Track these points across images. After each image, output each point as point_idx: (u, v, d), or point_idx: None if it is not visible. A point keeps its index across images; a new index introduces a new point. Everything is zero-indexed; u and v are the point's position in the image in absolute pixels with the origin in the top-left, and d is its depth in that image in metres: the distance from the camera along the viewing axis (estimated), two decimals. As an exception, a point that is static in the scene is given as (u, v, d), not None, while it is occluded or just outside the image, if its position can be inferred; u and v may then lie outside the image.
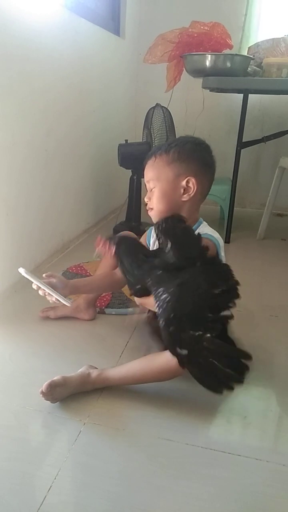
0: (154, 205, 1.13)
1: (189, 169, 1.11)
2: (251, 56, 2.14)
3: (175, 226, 1.01)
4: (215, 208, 2.63)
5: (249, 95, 2.11)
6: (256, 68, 2.17)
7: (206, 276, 0.93)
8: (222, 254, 1.12)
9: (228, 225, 2.24)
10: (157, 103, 2.17)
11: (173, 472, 0.88)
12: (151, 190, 1.14)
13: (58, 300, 1.11)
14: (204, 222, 1.19)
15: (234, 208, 2.25)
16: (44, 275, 1.19)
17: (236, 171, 2.19)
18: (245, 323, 0.96)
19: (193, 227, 1.15)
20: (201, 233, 1.03)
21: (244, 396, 1.13)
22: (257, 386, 1.16)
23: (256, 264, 2.01)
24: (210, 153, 1.17)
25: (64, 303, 1.12)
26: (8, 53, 1.39)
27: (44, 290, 1.12)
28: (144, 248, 1.05)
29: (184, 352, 0.88)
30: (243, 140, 2.15)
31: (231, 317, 0.93)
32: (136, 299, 1.07)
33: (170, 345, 0.91)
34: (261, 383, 1.17)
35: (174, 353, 0.90)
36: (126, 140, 2.16)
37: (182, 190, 1.11)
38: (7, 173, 1.47)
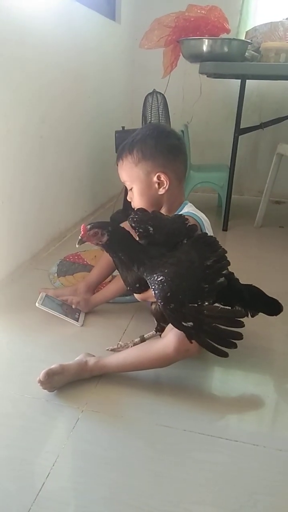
0: (137, 203, 1.17)
1: (156, 164, 1.14)
2: (249, 41, 2.10)
3: (146, 213, 1.08)
4: (213, 195, 2.62)
5: (247, 80, 2.08)
6: (254, 53, 2.13)
7: (196, 251, 0.98)
8: (208, 233, 1.13)
9: (225, 213, 2.23)
10: (154, 89, 2.14)
11: (171, 458, 0.88)
12: (130, 189, 1.18)
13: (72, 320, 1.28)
14: (189, 204, 1.22)
15: (232, 196, 2.23)
16: (73, 306, 1.33)
17: (234, 158, 2.17)
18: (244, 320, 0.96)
19: (179, 209, 1.20)
20: (185, 212, 1.13)
21: (242, 382, 1.14)
22: (255, 372, 1.16)
23: (254, 251, 2.00)
24: (174, 137, 1.19)
25: (74, 323, 1.28)
26: (1, 37, 1.36)
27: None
28: (134, 238, 1.04)
29: (190, 324, 0.92)
30: (241, 127, 2.13)
31: (225, 283, 0.98)
32: (136, 295, 1.08)
33: (174, 321, 0.94)
34: (258, 370, 1.17)
35: (180, 328, 0.93)
36: (123, 127, 2.13)
37: (156, 185, 1.15)
38: (2, 160, 1.46)
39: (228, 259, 1.01)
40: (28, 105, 1.58)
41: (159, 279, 0.92)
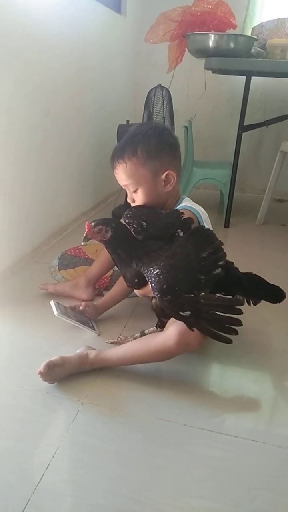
0: (141, 203, 1.15)
1: (163, 163, 1.13)
2: (255, 37, 2.09)
3: (139, 208, 1.10)
4: (215, 192, 2.62)
5: (252, 77, 2.07)
6: (260, 49, 2.12)
7: (193, 243, 0.99)
8: (206, 226, 1.14)
9: (227, 210, 2.23)
10: (159, 84, 2.12)
11: (170, 452, 0.88)
12: (133, 192, 1.15)
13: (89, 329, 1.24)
14: (187, 198, 1.22)
15: (234, 193, 2.23)
16: (80, 307, 1.28)
17: (237, 155, 2.16)
18: (243, 308, 0.97)
19: (177, 204, 1.20)
20: (182, 206, 1.14)
21: (241, 378, 1.14)
22: (254, 369, 1.17)
23: (255, 249, 2.00)
24: (172, 135, 1.19)
25: (92, 332, 1.24)
26: (5, 28, 1.36)
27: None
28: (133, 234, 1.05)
29: (188, 313, 0.93)
30: (245, 124, 2.12)
31: (222, 274, 0.98)
32: (136, 291, 1.08)
33: (172, 312, 0.95)
34: (257, 367, 1.17)
35: (179, 318, 0.95)
36: (128, 121, 2.12)
37: (163, 183, 1.14)
38: (3, 153, 1.45)
39: (224, 250, 1.02)
40: (31, 98, 1.57)
41: (155, 272, 0.94)
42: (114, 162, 1.14)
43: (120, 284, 1.33)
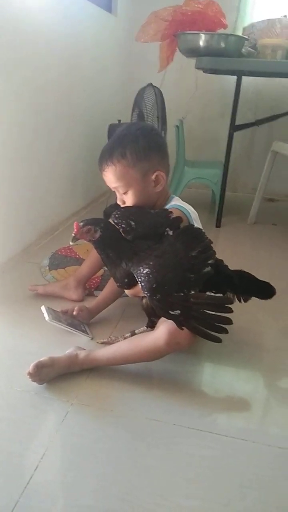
0: (132, 204, 1.14)
1: (152, 164, 1.12)
2: (246, 37, 2.10)
3: (127, 208, 1.10)
4: (206, 192, 2.62)
5: (243, 77, 2.08)
6: (251, 49, 2.13)
7: (182, 242, 0.99)
8: (196, 225, 1.13)
9: (219, 209, 2.23)
10: (149, 83, 2.12)
11: (160, 452, 0.88)
12: (123, 193, 1.14)
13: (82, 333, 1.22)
14: (176, 197, 1.22)
15: (226, 192, 2.23)
16: (74, 313, 1.25)
17: (228, 155, 2.16)
18: (233, 306, 0.97)
19: (166, 203, 1.19)
20: (172, 205, 1.14)
21: (232, 378, 1.14)
22: (244, 368, 1.17)
23: (246, 248, 2.01)
24: (159, 135, 1.20)
25: (85, 336, 1.21)
26: (-5, 25, 1.34)
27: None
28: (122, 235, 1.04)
29: (177, 312, 0.93)
30: (236, 123, 2.13)
31: (211, 272, 0.98)
32: (127, 291, 1.08)
33: (162, 311, 0.95)
34: (248, 366, 1.17)
35: (168, 317, 0.95)
36: (119, 120, 2.11)
37: (153, 184, 1.13)
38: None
39: (214, 249, 1.02)
40: (20, 95, 1.56)
41: (144, 271, 0.94)
42: (103, 165, 1.13)
43: (112, 285, 1.32)
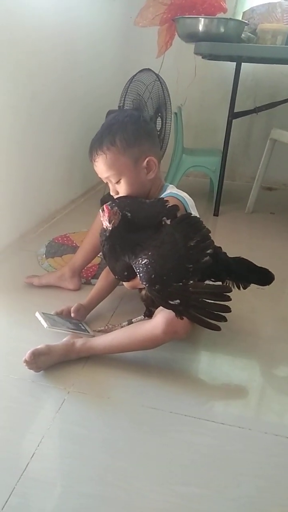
0: (126, 193, 1.11)
1: (143, 150, 1.10)
2: (246, 22, 2.06)
3: (123, 199, 1.08)
4: (205, 180, 2.60)
5: (242, 64, 2.05)
6: (251, 34, 2.09)
7: (180, 232, 0.98)
8: (193, 212, 1.12)
9: (217, 198, 2.21)
10: (147, 68, 2.08)
11: (157, 440, 0.88)
12: (116, 183, 1.11)
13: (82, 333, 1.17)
14: (171, 185, 1.20)
15: (224, 181, 2.22)
16: (72, 315, 1.21)
17: (227, 143, 2.14)
18: (231, 295, 0.96)
19: (161, 191, 1.18)
20: (167, 194, 1.12)
21: (229, 366, 1.14)
22: (242, 356, 1.17)
23: (244, 237, 2.00)
24: (148, 122, 1.17)
25: (86, 334, 1.16)
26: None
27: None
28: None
29: (176, 301, 0.94)
30: (235, 111, 2.10)
31: (210, 261, 0.98)
32: (125, 284, 1.07)
33: (161, 301, 0.95)
34: (245, 354, 1.17)
35: (168, 307, 0.95)
36: (119, 106, 2.07)
37: (145, 170, 1.11)
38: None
39: (212, 238, 1.01)
40: (16, 81, 1.53)
41: (143, 262, 0.93)
42: (93, 155, 1.11)
43: (106, 278, 1.29)
